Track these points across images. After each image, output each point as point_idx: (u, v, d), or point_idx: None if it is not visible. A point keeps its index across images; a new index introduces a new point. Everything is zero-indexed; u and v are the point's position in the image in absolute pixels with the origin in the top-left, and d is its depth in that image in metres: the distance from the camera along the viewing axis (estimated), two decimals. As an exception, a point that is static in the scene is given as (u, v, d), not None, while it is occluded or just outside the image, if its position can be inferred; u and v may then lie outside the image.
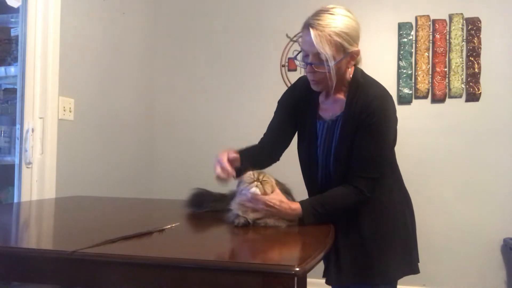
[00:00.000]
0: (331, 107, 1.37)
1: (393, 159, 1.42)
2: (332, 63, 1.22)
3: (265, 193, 1.17)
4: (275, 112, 1.51)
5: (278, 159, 1.51)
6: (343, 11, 1.24)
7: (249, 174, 1.21)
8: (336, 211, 1.27)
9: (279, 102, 1.51)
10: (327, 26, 1.20)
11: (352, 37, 1.23)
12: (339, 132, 1.32)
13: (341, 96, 1.35)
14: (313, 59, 1.25)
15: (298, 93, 1.44)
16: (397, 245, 1.36)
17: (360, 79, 1.32)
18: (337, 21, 1.21)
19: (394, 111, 1.32)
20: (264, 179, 1.19)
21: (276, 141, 1.49)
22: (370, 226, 1.33)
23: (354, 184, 1.27)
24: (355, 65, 1.34)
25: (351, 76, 1.33)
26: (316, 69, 1.26)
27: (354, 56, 1.28)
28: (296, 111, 1.45)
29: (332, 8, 1.24)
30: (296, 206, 1.22)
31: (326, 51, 1.20)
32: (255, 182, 1.18)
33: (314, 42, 1.20)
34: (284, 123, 1.47)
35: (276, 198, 1.19)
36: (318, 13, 1.24)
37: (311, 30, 1.21)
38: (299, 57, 1.32)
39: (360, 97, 1.29)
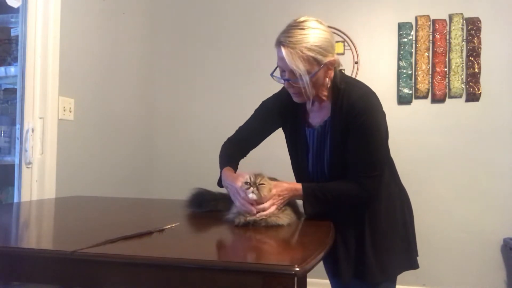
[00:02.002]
0: (318, 114, 1.38)
1: (388, 154, 1.43)
2: (306, 78, 1.21)
3: (263, 197, 1.17)
4: (257, 112, 1.52)
5: (245, 156, 1.51)
6: (313, 23, 1.23)
7: (246, 179, 1.20)
8: (336, 201, 1.27)
9: (264, 104, 1.51)
10: (298, 43, 1.19)
11: (325, 48, 1.22)
12: (330, 137, 1.33)
13: (326, 102, 1.35)
14: (289, 75, 1.25)
15: (285, 101, 1.42)
16: (396, 240, 1.37)
17: (340, 82, 1.32)
18: (308, 35, 1.20)
19: (379, 106, 1.31)
20: (261, 182, 1.19)
21: (251, 140, 1.51)
22: (369, 222, 1.34)
23: (356, 183, 1.28)
24: (334, 69, 1.33)
25: (328, 84, 1.32)
26: (293, 84, 1.26)
27: (330, 66, 1.27)
28: (283, 119, 1.46)
29: (302, 22, 1.23)
30: (299, 186, 1.26)
31: (299, 67, 1.19)
32: (251, 188, 1.17)
33: (287, 60, 1.20)
34: (264, 126, 1.49)
35: (278, 191, 1.21)
36: (288, 29, 1.23)
37: (282, 48, 1.21)
38: (277, 73, 1.31)
39: (343, 100, 1.29)
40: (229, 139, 1.53)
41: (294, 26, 1.23)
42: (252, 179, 1.19)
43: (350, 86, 1.31)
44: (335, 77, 1.32)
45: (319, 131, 1.36)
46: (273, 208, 1.19)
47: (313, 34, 1.21)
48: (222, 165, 1.40)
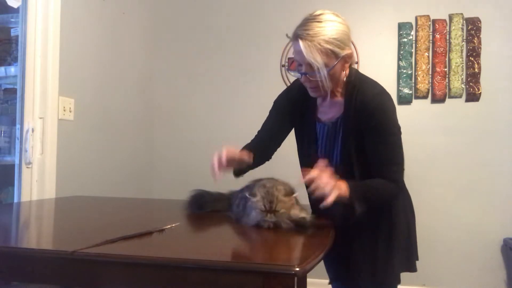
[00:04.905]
0: (330, 110, 1.37)
1: None
2: (324, 72, 1.21)
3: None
4: (270, 112, 1.51)
5: (269, 159, 1.51)
6: (330, 16, 1.22)
7: (260, 206, 1.12)
8: (379, 199, 1.24)
9: (275, 102, 1.51)
10: (316, 35, 1.19)
11: (343, 41, 1.22)
12: (342, 134, 1.32)
13: (339, 98, 1.34)
14: (307, 69, 1.24)
15: (295, 95, 1.42)
16: (400, 242, 1.36)
17: (355, 79, 1.31)
18: (325, 28, 1.20)
19: (393, 105, 1.32)
20: (277, 208, 1.11)
21: (270, 141, 1.48)
22: (373, 224, 1.33)
23: (389, 179, 1.25)
24: (349, 66, 1.33)
25: (344, 78, 1.32)
26: (311, 78, 1.25)
27: (347, 60, 1.27)
28: (293, 114, 1.44)
29: (319, 15, 1.22)
30: (343, 183, 1.16)
31: (317, 60, 1.19)
32: (269, 215, 1.11)
33: (304, 53, 1.19)
34: (279, 124, 1.47)
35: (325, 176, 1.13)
36: (305, 23, 1.22)
37: (300, 41, 1.20)
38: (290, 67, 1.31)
39: (358, 98, 1.28)
40: (250, 142, 1.50)
41: (311, 19, 1.22)
42: (267, 206, 1.11)
43: (364, 84, 1.31)
44: (350, 74, 1.32)
45: (330, 127, 1.35)
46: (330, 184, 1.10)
47: (331, 27, 1.20)
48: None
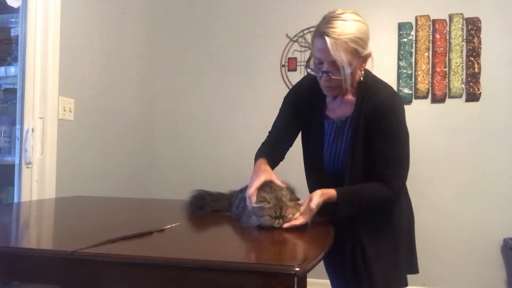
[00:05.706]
0: (339, 108, 1.37)
1: None
2: (348, 70, 1.21)
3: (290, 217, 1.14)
4: (280, 110, 1.50)
5: (283, 158, 1.49)
6: (353, 15, 1.23)
7: (271, 213, 1.13)
8: (369, 203, 1.25)
9: (285, 99, 1.50)
10: (342, 34, 1.19)
11: (365, 40, 1.24)
12: (351, 133, 1.31)
13: (350, 97, 1.34)
14: (329, 67, 1.24)
15: (304, 92, 1.43)
16: (403, 243, 1.36)
17: (369, 80, 1.32)
18: (350, 27, 1.20)
19: (403, 109, 1.32)
20: (286, 214, 1.14)
21: (283, 140, 1.46)
22: (375, 224, 1.33)
23: (384, 184, 1.25)
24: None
25: (361, 78, 1.33)
26: (332, 77, 1.25)
27: (366, 59, 1.28)
28: (302, 110, 1.44)
29: (342, 13, 1.22)
30: (332, 191, 1.20)
31: (343, 58, 1.19)
32: (277, 220, 1.13)
33: (331, 50, 1.18)
34: (289, 123, 1.46)
35: (316, 204, 1.15)
36: (329, 21, 1.21)
37: (326, 38, 1.19)
38: (311, 65, 1.31)
39: (370, 98, 1.28)
40: (262, 143, 1.48)
41: (335, 17, 1.21)
42: (278, 212, 1.13)
43: (378, 85, 1.32)
44: (366, 74, 1.33)
45: (339, 125, 1.35)
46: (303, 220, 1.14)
47: (355, 26, 1.21)
48: (256, 158, 1.37)
